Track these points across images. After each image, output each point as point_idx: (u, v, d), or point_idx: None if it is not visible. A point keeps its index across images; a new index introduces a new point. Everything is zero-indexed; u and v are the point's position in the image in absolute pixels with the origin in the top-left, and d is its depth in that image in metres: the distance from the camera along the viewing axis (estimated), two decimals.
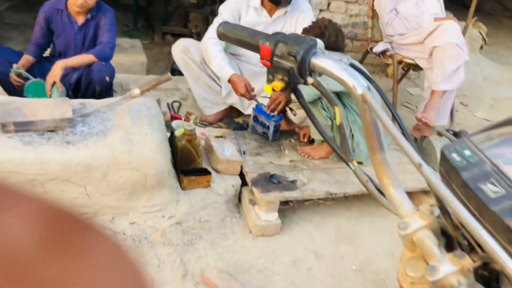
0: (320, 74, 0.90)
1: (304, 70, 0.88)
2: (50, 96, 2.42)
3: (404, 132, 0.87)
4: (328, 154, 2.49)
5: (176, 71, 3.59)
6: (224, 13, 2.76)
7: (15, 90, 2.49)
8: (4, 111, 1.85)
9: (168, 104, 3.10)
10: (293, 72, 0.88)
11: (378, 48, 3.37)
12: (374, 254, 2.11)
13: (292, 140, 2.67)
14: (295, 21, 2.78)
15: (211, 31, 2.74)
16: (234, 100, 2.93)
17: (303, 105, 1.00)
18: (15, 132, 1.82)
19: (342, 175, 2.38)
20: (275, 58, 0.91)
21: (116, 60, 3.27)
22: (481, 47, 4.86)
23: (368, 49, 3.53)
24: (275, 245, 2.06)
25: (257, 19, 2.77)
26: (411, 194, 2.43)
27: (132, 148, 1.83)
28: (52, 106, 1.95)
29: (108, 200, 1.86)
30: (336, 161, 2.48)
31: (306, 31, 2.34)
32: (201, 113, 3.02)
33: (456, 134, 3.05)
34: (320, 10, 3.80)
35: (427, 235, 0.73)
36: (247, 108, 3.00)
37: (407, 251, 0.77)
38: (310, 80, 0.90)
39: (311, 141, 2.68)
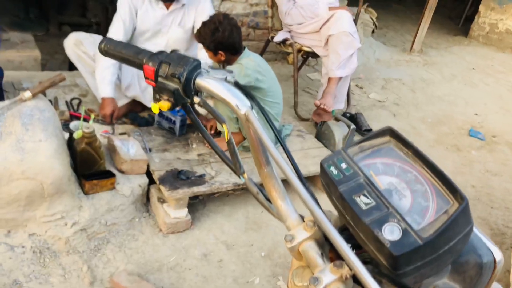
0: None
1: (189, 90, 0.90)
2: None
3: (284, 147, 0.92)
4: (236, 145, 2.54)
5: (74, 66, 3.40)
6: (121, 7, 2.68)
7: None
8: None
9: (66, 102, 2.94)
10: (178, 93, 0.89)
11: (278, 37, 3.48)
12: (281, 238, 2.22)
13: (199, 133, 2.69)
14: (194, 12, 2.77)
15: (111, 33, 2.66)
16: (136, 93, 2.87)
17: (194, 120, 1.01)
18: None
19: (249, 164, 2.45)
20: (159, 79, 0.91)
21: (6, 57, 3.04)
22: (373, 31, 5.21)
23: (269, 38, 3.62)
24: (186, 240, 2.08)
25: (153, 12, 2.73)
26: (313, 178, 2.59)
27: (25, 157, 1.73)
28: None
29: (2, 213, 1.75)
30: (243, 150, 2.55)
31: (202, 25, 2.35)
32: None
33: (352, 117, 3.26)
34: (222, 0, 3.81)
35: (311, 245, 0.79)
36: (151, 100, 2.95)
37: (295, 261, 0.83)
38: (196, 99, 0.91)
39: (218, 133, 2.71)
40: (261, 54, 3.70)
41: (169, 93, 0.92)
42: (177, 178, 2.20)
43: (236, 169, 1.03)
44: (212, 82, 0.91)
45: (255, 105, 1.01)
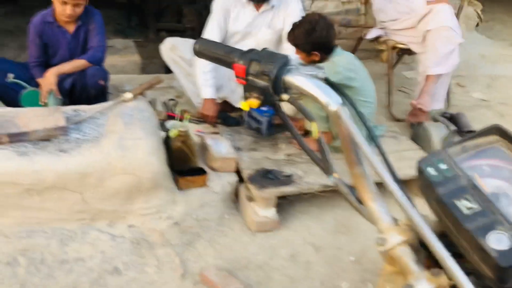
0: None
1: (278, 88, 0.89)
2: (45, 104, 2.43)
3: (379, 147, 0.87)
4: (328, 143, 2.50)
5: None
6: (216, 10, 2.78)
7: (11, 100, 2.51)
8: None
9: (163, 102, 3.11)
10: (268, 90, 0.89)
11: (371, 34, 3.36)
12: (372, 243, 2.12)
13: (288, 133, 2.68)
14: (284, 14, 2.78)
15: (205, 35, 2.77)
16: (225, 93, 2.95)
17: (283, 118, 1.01)
18: (10, 143, 1.84)
19: (339, 166, 2.39)
20: (249, 77, 0.92)
21: (110, 62, 3.28)
22: (477, 25, 4.81)
23: (362, 36, 3.51)
24: (274, 240, 2.08)
25: (244, 13, 2.79)
26: (408, 182, 2.45)
27: (126, 153, 1.86)
28: (45, 115, 1.98)
29: (105, 205, 1.89)
30: (332, 151, 2.49)
31: (296, 26, 2.32)
32: (196, 110, 3.03)
33: (452, 118, 3.03)
34: None
35: (405, 251, 0.74)
36: (239, 101, 3.01)
37: (388, 266, 0.78)
38: (285, 97, 0.90)
39: (306, 133, 2.69)
40: (353, 52, 3.60)
41: (259, 90, 0.92)
42: (265, 177, 2.22)
43: (326, 168, 1.00)
44: (301, 78, 0.89)
45: (347, 102, 0.97)
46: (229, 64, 1.01)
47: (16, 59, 3.79)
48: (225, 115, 2.94)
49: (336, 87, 0.96)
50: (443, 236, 0.78)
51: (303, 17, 2.37)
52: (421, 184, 0.84)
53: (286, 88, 0.93)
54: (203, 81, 2.73)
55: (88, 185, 1.83)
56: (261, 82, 0.92)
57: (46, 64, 2.67)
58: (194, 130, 2.78)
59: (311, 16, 2.35)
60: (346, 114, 0.84)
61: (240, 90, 2.99)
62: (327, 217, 2.27)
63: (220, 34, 2.80)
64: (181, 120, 2.61)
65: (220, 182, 2.16)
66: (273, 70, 0.90)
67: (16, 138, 1.85)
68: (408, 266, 0.76)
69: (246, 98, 0.98)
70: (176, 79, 3.11)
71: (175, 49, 2.87)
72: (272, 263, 1.96)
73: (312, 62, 2.41)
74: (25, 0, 5.66)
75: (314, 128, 0.93)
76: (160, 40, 4.95)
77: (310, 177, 2.26)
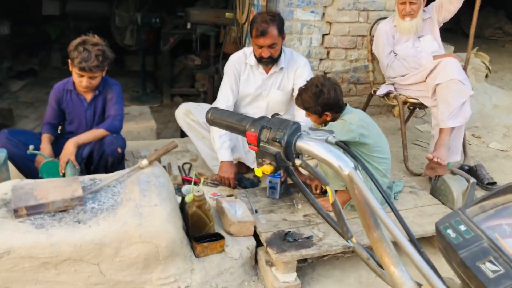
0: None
1: (290, 154, 0.89)
2: (64, 175, 2.46)
3: (395, 213, 0.85)
4: (343, 204, 2.45)
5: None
6: (227, 74, 2.87)
7: (30, 172, 2.55)
8: (16, 196, 1.89)
9: (179, 167, 3.13)
10: (279, 156, 0.89)
11: (381, 90, 3.40)
12: None
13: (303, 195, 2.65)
14: (293, 75, 2.85)
15: (219, 102, 2.85)
16: (240, 154, 2.96)
17: (296, 183, 1.00)
18: (27, 215, 1.85)
19: (358, 225, 2.33)
20: (261, 144, 0.92)
21: (126, 128, 3.35)
22: (486, 76, 4.86)
23: (372, 92, 3.56)
24: None
25: (253, 76, 2.86)
26: (431, 238, 2.37)
27: (142, 221, 1.84)
28: (63, 186, 1.99)
29: (122, 275, 1.85)
30: (351, 210, 2.45)
31: (303, 90, 2.36)
32: (211, 172, 3.04)
33: (470, 169, 2.98)
34: (321, 59, 3.88)
35: None
36: (253, 162, 3.02)
37: None
38: (297, 162, 0.90)
39: (324, 192, 2.65)
40: (364, 108, 3.64)
41: (271, 157, 0.93)
42: (284, 240, 2.16)
43: (344, 233, 0.98)
44: (312, 144, 0.89)
45: (358, 165, 0.96)
46: (241, 132, 1.03)
47: (35, 129, 3.92)
48: (240, 176, 2.94)
49: (348, 150, 0.95)
50: None
51: (308, 82, 2.41)
52: (442, 246, 0.80)
53: (298, 154, 0.94)
54: (220, 144, 2.78)
55: (105, 255, 1.80)
56: (273, 149, 0.92)
57: (57, 128, 2.82)
58: (210, 194, 2.77)
59: (315, 79, 2.38)
60: (359, 178, 0.83)
61: (253, 151, 3.02)
62: (350, 280, 2.18)
63: (233, 97, 2.88)
64: (196, 183, 2.60)
65: (238, 247, 2.11)
66: (284, 136, 0.91)
67: (34, 210, 1.86)
68: None
69: (259, 164, 0.99)
70: (191, 142, 3.15)
71: (189, 113, 2.93)
72: None
73: (325, 123, 2.43)
74: (44, 72, 5.94)
75: (329, 192, 0.92)
76: (175, 104, 5.11)
77: (330, 238, 2.20)
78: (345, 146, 0.88)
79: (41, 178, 2.50)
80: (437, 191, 2.72)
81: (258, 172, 0.95)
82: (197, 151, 3.32)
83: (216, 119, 1.07)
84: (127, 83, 5.20)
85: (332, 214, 0.99)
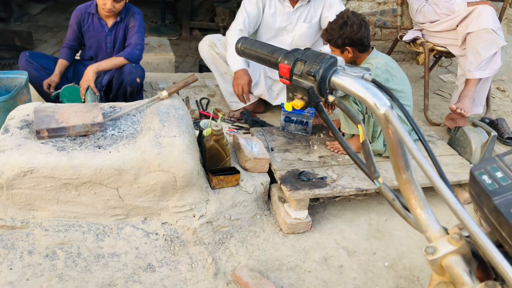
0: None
1: (324, 89, 0.87)
2: (84, 100, 2.48)
3: (430, 156, 0.84)
4: (359, 149, 2.45)
5: (203, 68, 3.61)
6: (248, 4, 2.74)
7: (49, 95, 2.58)
8: (38, 118, 1.91)
9: (196, 101, 3.13)
10: (313, 91, 0.87)
11: (408, 36, 3.28)
12: (407, 249, 2.08)
13: (321, 135, 2.65)
14: (321, 7, 2.75)
15: (236, 22, 2.74)
16: (261, 91, 2.92)
17: (325, 120, 0.98)
18: (49, 138, 1.88)
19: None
20: (294, 77, 0.90)
21: (145, 59, 3.33)
22: None
23: (398, 37, 3.44)
24: (306, 242, 2.05)
25: (279, 9, 2.77)
26: None
27: (161, 151, 1.86)
28: (83, 111, 2.01)
29: (139, 201, 1.91)
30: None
31: (330, 23, 2.31)
32: (229, 109, 3.03)
33: (492, 123, 2.93)
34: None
35: (457, 261, 0.70)
36: (275, 99, 2.99)
37: (436, 275, 0.75)
38: (331, 98, 0.88)
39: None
40: (389, 54, 3.54)
41: (304, 91, 0.90)
42: (298, 179, 2.19)
43: (371, 173, 0.97)
44: (348, 80, 0.86)
45: (395, 104, 0.94)
46: (273, 64, 0.99)
47: (54, 54, 3.90)
48: (247, 115, 2.90)
49: (384, 89, 0.93)
50: (498, 247, 0.74)
51: (336, 15, 2.33)
52: (474, 192, 0.79)
53: (332, 90, 0.91)
54: (233, 57, 2.63)
55: (123, 181, 1.84)
56: (306, 83, 0.90)
57: (76, 51, 2.83)
58: (227, 130, 2.78)
59: (344, 12, 2.32)
60: (395, 117, 0.81)
61: (276, 88, 2.97)
62: (361, 221, 2.23)
63: (248, 23, 2.73)
64: (213, 119, 2.60)
65: (252, 183, 2.14)
66: (319, 70, 0.87)
67: (56, 133, 1.89)
68: (461, 277, 0.72)
69: (289, 98, 0.96)
70: (211, 77, 3.12)
71: (213, 46, 2.86)
72: (304, 265, 1.93)
73: (347, 60, 2.36)
74: None
75: (361, 130, 0.91)
76: (194, 38, 5.01)
77: (344, 180, 2.23)
78: (382, 84, 0.85)
79: (61, 102, 2.52)
80: (456, 142, 2.69)
81: (288, 106, 0.93)
82: (216, 87, 3.29)
83: (247, 49, 1.04)
84: (146, 13, 5.05)
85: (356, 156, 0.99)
